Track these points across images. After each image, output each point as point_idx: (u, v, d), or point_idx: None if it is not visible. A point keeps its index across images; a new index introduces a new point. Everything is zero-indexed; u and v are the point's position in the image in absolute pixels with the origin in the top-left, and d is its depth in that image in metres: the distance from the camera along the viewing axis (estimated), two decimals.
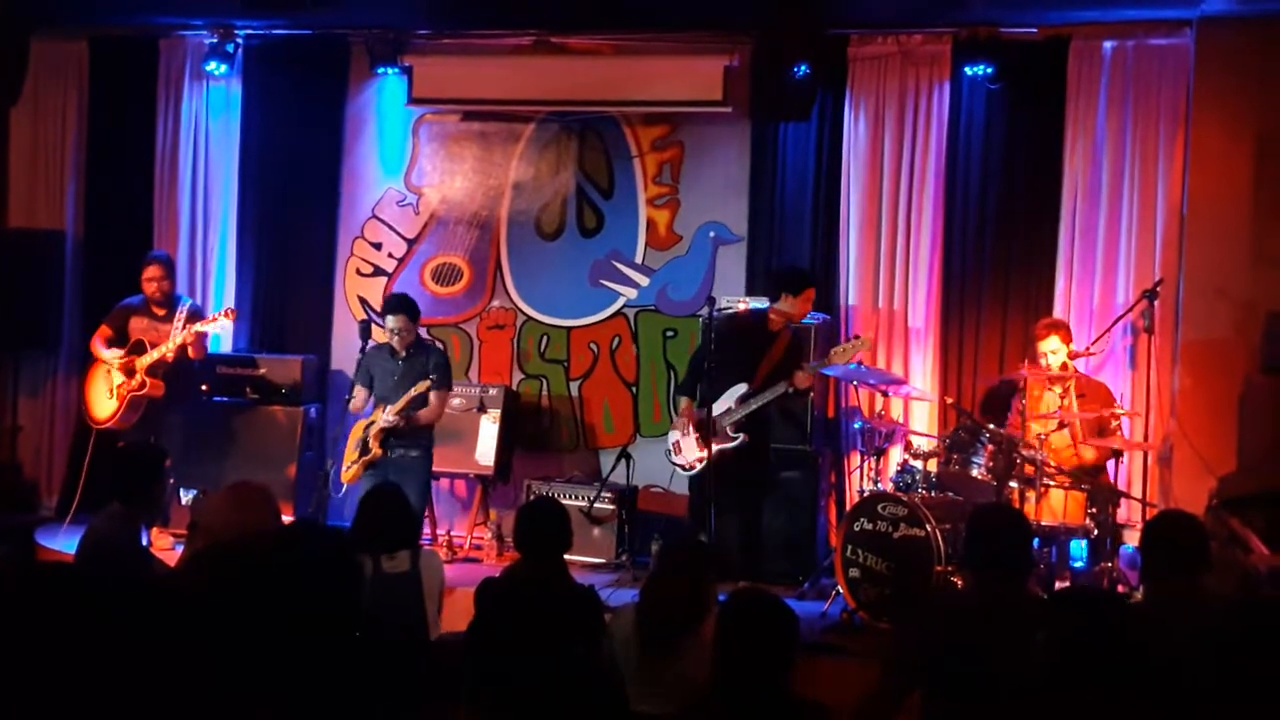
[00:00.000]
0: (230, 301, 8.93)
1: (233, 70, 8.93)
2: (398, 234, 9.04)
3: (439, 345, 8.15)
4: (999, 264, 8.00)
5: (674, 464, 7.32)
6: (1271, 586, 5.79)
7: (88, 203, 9.28)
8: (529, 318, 8.86)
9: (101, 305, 8.46)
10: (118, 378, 7.96)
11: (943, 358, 8.03)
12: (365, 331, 7.69)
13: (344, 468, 7.37)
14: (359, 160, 9.09)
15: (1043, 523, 6.54)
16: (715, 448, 6.94)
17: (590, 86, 8.53)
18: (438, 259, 8.98)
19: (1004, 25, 7.78)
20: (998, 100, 7.96)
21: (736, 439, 7.05)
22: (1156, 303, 7.26)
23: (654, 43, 8.43)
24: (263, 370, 8.61)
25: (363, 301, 9.07)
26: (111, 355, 7.99)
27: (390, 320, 7.33)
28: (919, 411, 8.00)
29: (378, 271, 9.07)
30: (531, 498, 7.86)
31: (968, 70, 7.86)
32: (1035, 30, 7.86)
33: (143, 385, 7.89)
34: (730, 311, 7.48)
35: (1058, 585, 6.41)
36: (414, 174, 9.00)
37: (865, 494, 7.09)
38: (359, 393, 7.43)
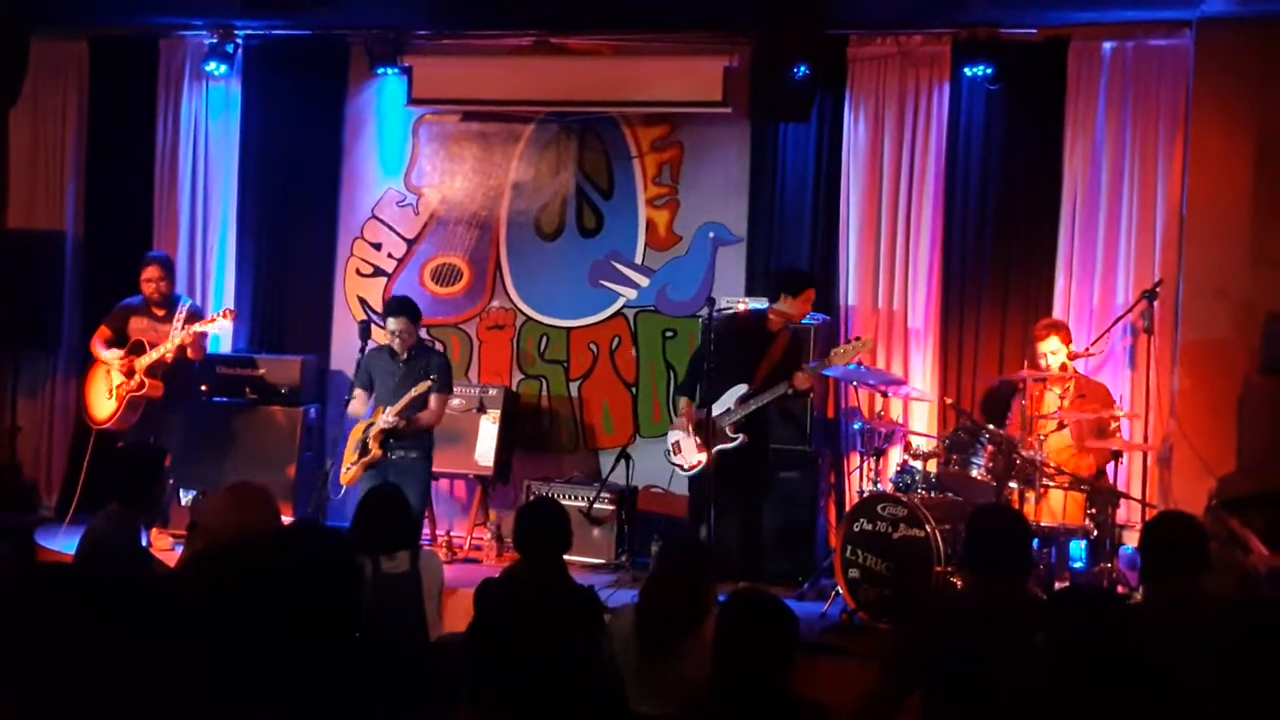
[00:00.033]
0: (230, 302, 8.93)
1: (232, 70, 8.93)
2: (397, 234, 9.04)
3: (440, 349, 8.14)
4: (999, 264, 8.01)
5: (673, 464, 7.32)
6: (1271, 587, 5.79)
7: (87, 203, 9.28)
8: (529, 318, 8.86)
9: (101, 305, 8.46)
10: (117, 378, 7.95)
11: (942, 358, 8.03)
12: (365, 332, 7.69)
13: (343, 469, 7.36)
14: (359, 160, 9.09)
15: (1042, 523, 6.54)
16: (715, 448, 6.94)
17: (590, 87, 8.53)
18: (437, 259, 8.98)
19: (1003, 26, 7.78)
20: (997, 101, 7.96)
21: (736, 439, 7.05)
22: (1156, 303, 7.26)
23: (654, 43, 8.43)
24: (262, 371, 8.60)
25: (362, 302, 9.07)
26: (111, 356, 7.99)
27: (392, 322, 7.33)
28: (918, 412, 8.00)
29: (377, 272, 9.07)
30: (531, 498, 7.85)
31: (967, 71, 7.86)
32: (1035, 31, 7.86)
33: (142, 386, 7.88)
34: (729, 312, 7.48)
35: (1057, 586, 6.41)
36: (414, 174, 9.00)
37: (865, 494, 7.09)
38: (358, 394, 7.42)
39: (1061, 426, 6.99)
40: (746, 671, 3.40)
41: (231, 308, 8.30)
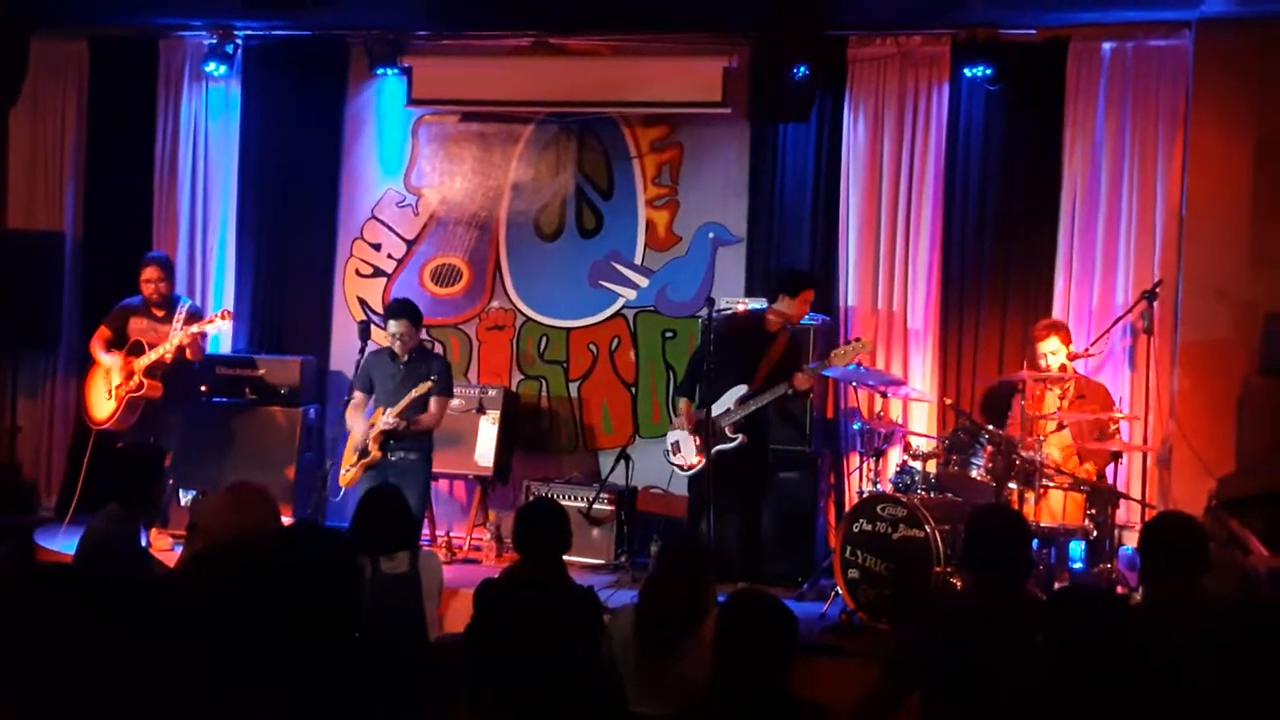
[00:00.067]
0: (230, 302, 8.94)
1: (232, 71, 8.93)
2: (397, 235, 9.04)
3: (441, 353, 8.13)
4: (998, 265, 8.01)
5: (672, 464, 7.32)
6: (1270, 587, 5.79)
7: (87, 203, 9.28)
8: (528, 319, 8.86)
9: (101, 306, 8.46)
10: (116, 379, 7.95)
11: (942, 359, 8.04)
12: (365, 332, 7.69)
13: (342, 471, 7.35)
14: (358, 161, 9.09)
15: (1042, 524, 6.54)
16: (714, 448, 6.94)
17: (589, 87, 8.53)
18: (437, 260, 8.98)
19: (1003, 27, 7.78)
20: (997, 101, 7.97)
21: (735, 439, 7.05)
22: (1155, 304, 7.25)
23: (653, 44, 8.43)
24: (262, 371, 8.60)
25: (362, 302, 9.07)
26: (110, 362, 7.98)
27: (393, 325, 7.31)
28: (918, 412, 8.00)
29: (377, 272, 9.07)
30: (530, 499, 7.85)
31: (967, 72, 7.86)
32: (1034, 32, 7.86)
33: (140, 387, 7.88)
34: (729, 313, 7.48)
35: (1056, 586, 6.41)
36: (413, 175, 9.00)
37: (864, 495, 7.08)
38: (357, 397, 7.41)
39: (1061, 427, 6.99)
40: (746, 672, 3.40)
41: (228, 309, 8.31)
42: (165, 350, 7.86)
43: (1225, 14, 7.29)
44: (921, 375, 8.02)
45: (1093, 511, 6.70)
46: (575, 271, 8.75)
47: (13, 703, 2.22)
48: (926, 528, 6.47)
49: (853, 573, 6.71)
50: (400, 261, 9.03)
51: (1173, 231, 7.61)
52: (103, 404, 8.00)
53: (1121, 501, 7.00)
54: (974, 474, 6.82)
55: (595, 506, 7.89)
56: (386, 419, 7.13)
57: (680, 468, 7.27)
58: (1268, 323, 7.21)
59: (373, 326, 8.28)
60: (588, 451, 8.73)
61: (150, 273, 8.08)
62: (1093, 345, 7.44)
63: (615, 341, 8.72)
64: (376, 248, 9.07)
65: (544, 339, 8.84)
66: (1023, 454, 6.65)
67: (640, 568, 7.37)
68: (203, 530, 4.37)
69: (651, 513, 8.08)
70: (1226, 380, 7.33)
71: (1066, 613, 3.44)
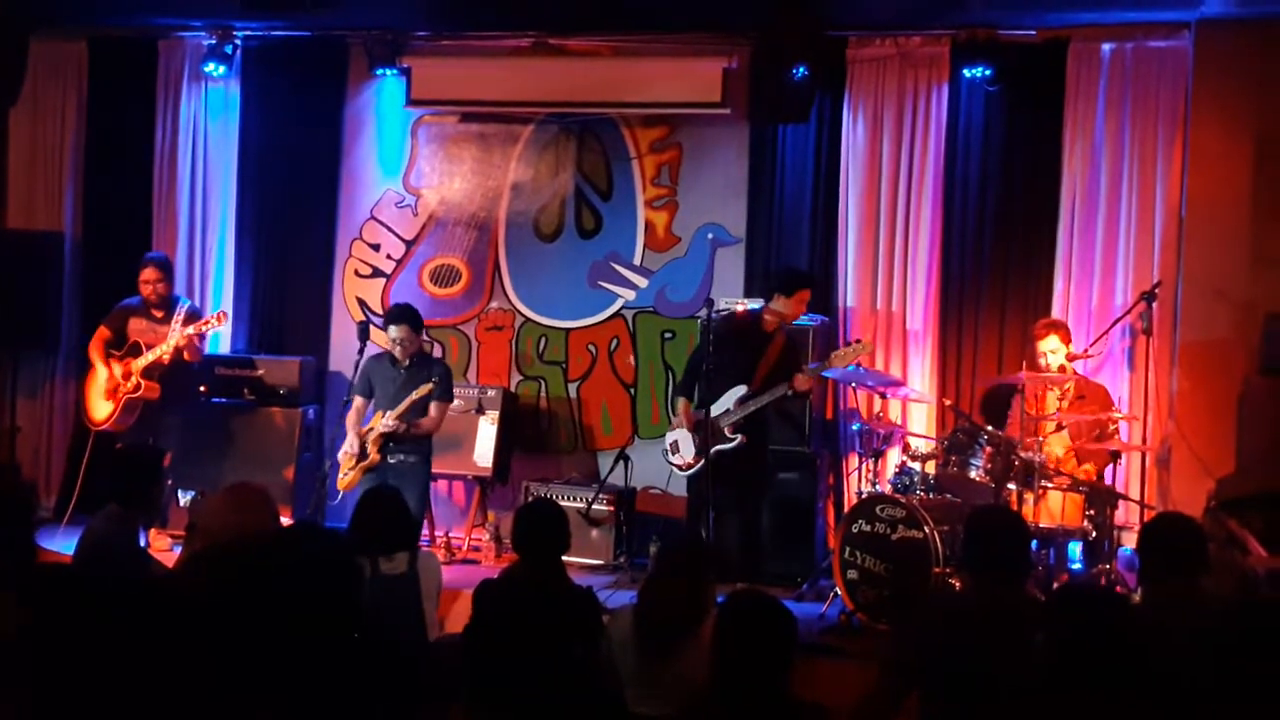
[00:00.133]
0: (229, 302, 8.95)
1: (231, 71, 8.93)
2: (396, 235, 9.04)
3: (442, 357, 8.12)
4: (997, 266, 8.01)
5: (671, 464, 7.32)
6: (1269, 588, 5.79)
7: (86, 203, 9.28)
8: (527, 319, 8.86)
9: (100, 306, 8.46)
10: (114, 379, 7.95)
11: (941, 359, 8.04)
12: (364, 333, 7.68)
13: (341, 474, 7.34)
14: (357, 161, 9.09)
15: (1041, 524, 6.54)
16: (713, 448, 6.94)
17: (589, 88, 8.54)
18: (436, 260, 8.98)
19: (1002, 27, 7.78)
20: (996, 102, 7.97)
21: (734, 440, 7.06)
22: (1155, 304, 7.25)
23: (653, 44, 8.43)
24: (261, 372, 8.60)
25: (361, 303, 9.07)
26: (105, 374, 7.97)
27: (393, 330, 7.30)
28: (917, 413, 8.00)
29: (376, 273, 9.07)
30: (530, 499, 7.85)
31: (966, 72, 7.86)
32: (1034, 32, 7.86)
33: (138, 388, 7.88)
34: (727, 313, 7.48)
35: (1055, 587, 6.41)
36: (412, 175, 9.00)
37: (863, 496, 7.08)
38: (357, 402, 7.40)
39: (1060, 428, 6.99)
40: (745, 672, 3.40)
41: (225, 310, 8.32)
42: (163, 351, 7.86)
43: (1225, 14, 7.30)
44: (920, 376, 8.02)
45: (1091, 512, 6.70)
46: (574, 272, 8.75)
47: (13, 703, 2.22)
48: (925, 528, 6.47)
49: (852, 573, 6.71)
50: (399, 262, 9.03)
51: (1172, 232, 7.61)
52: (101, 405, 8.00)
53: (1120, 502, 7.00)
54: (973, 475, 6.82)
55: (594, 507, 7.89)
56: (386, 421, 7.13)
57: (679, 467, 7.28)
58: (1267, 323, 7.21)
59: (372, 327, 8.27)
60: (587, 452, 8.73)
61: (149, 273, 8.08)
62: (1092, 346, 7.44)
63: (614, 342, 8.72)
64: (376, 248, 9.07)
65: (543, 339, 8.84)
66: (1021, 455, 6.65)
67: (639, 568, 7.36)
68: (202, 531, 4.37)
69: (650, 513, 8.08)
70: (1226, 380, 7.33)
71: (1066, 612, 3.44)
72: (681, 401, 7.37)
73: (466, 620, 4.08)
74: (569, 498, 7.90)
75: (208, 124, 9.11)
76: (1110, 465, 7.10)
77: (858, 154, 8.15)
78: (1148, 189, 7.68)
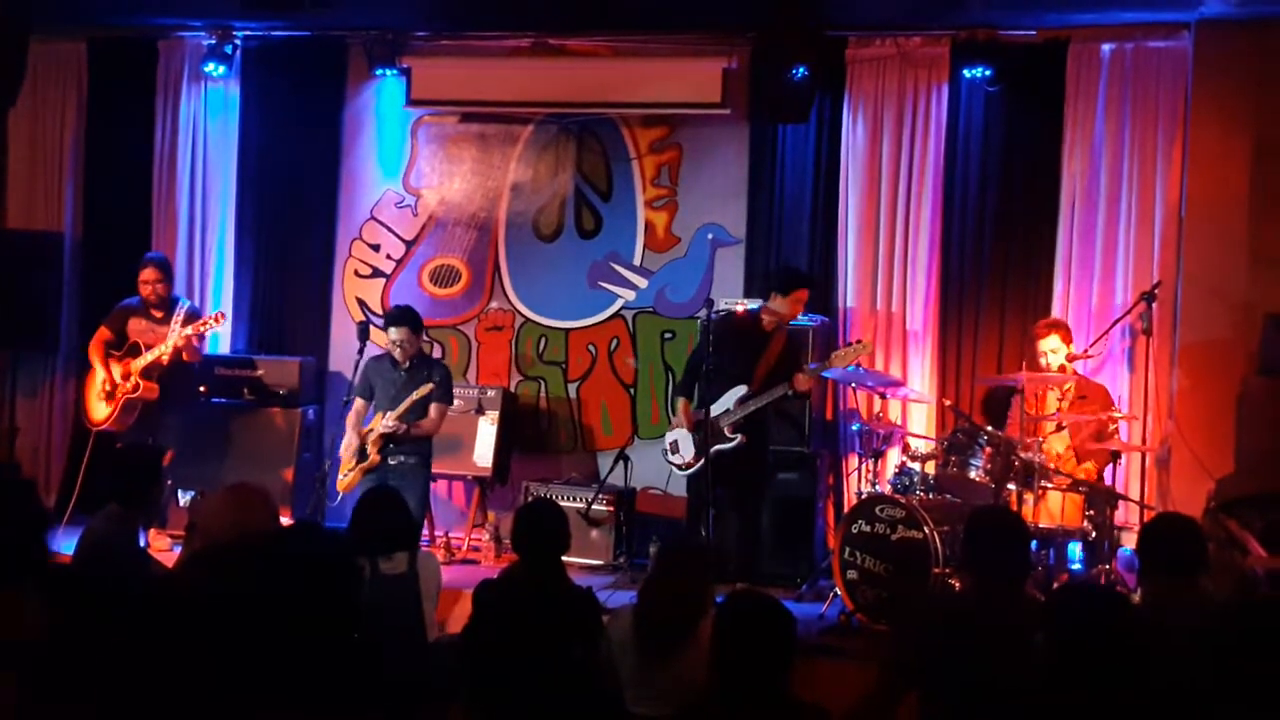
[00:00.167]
0: (228, 303, 8.95)
1: (231, 72, 8.93)
2: (396, 235, 9.04)
3: (442, 358, 8.12)
4: (997, 266, 8.01)
5: (670, 463, 7.33)
6: (1269, 588, 5.79)
7: (86, 204, 9.27)
8: (527, 319, 8.86)
9: (100, 306, 8.45)
10: (113, 379, 7.95)
11: (941, 360, 8.04)
12: (364, 333, 7.68)
13: (340, 475, 7.34)
14: (357, 162, 9.09)
15: (1040, 525, 6.54)
16: (713, 448, 6.94)
17: (588, 88, 8.54)
18: (436, 260, 8.98)
19: (1002, 27, 7.79)
20: (996, 102, 7.97)
21: (734, 440, 7.06)
22: (1155, 305, 7.25)
23: (652, 44, 8.43)
24: (260, 372, 8.60)
25: (361, 303, 9.07)
26: (103, 376, 7.97)
27: (393, 332, 7.29)
28: (917, 413, 8.00)
29: (376, 273, 9.07)
30: (529, 499, 7.84)
31: (966, 72, 7.86)
32: (1034, 32, 7.86)
33: (137, 388, 7.88)
34: (727, 313, 7.48)
35: (1055, 587, 6.41)
36: (412, 175, 9.00)
37: (863, 496, 7.08)
38: (357, 404, 7.39)
39: (1060, 428, 6.99)
40: (744, 673, 3.40)
41: (223, 311, 8.32)
42: (162, 352, 7.86)
43: (1224, 15, 7.29)
44: (920, 376, 8.02)
45: (1091, 512, 6.70)
46: (574, 272, 8.75)
47: (12, 702, 2.22)
48: (925, 529, 6.47)
49: (851, 574, 6.70)
50: (399, 262, 9.03)
51: (1172, 232, 7.61)
52: (100, 405, 8.00)
53: (1120, 502, 7.00)
54: (973, 475, 6.82)
55: (594, 507, 7.89)
56: (386, 422, 7.13)
57: (678, 467, 7.28)
58: (1267, 323, 7.21)
59: (372, 327, 8.27)
60: (586, 452, 8.73)
61: (148, 274, 8.08)
62: (1092, 346, 7.44)
63: (614, 342, 8.72)
64: (375, 248, 9.07)
65: (543, 340, 8.84)
66: (1021, 455, 6.65)
67: (639, 568, 7.36)
68: (202, 531, 4.38)
69: (650, 513, 8.08)
70: (1225, 381, 7.33)
71: (1066, 612, 3.44)
72: (681, 401, 7.37)
73: (466, 620, 4.09)
74: (569, 498, 7.90)
75: (207, 124, 9.10)
76: (1110, 465, 7.10)
77: (858, 154, 8.15)
78: (1147, 189, 7.68)
